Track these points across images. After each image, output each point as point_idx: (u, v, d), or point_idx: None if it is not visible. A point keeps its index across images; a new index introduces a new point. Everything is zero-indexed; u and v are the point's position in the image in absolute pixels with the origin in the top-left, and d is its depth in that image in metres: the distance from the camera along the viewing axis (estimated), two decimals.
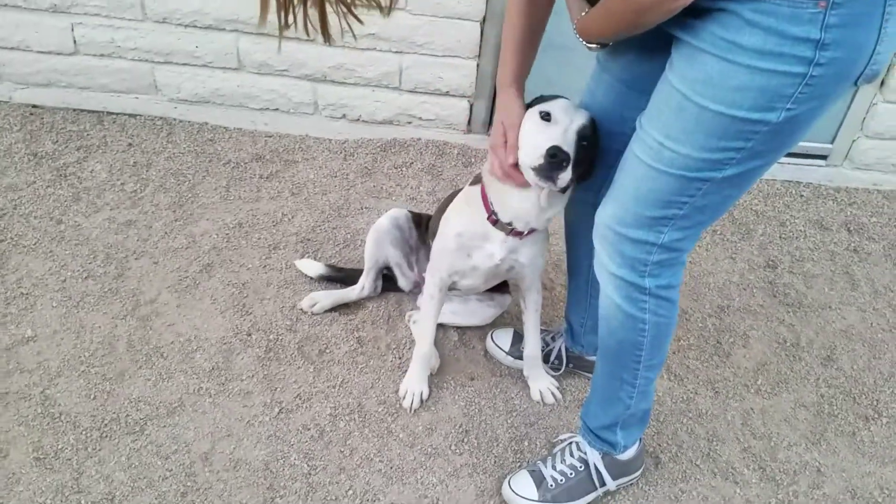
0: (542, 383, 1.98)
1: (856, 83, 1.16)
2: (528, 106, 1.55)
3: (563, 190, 1.58)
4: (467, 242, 1.74)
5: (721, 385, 2.07)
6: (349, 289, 2.16)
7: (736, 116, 1.16)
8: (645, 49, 1.41)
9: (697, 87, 1.18)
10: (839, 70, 1.11)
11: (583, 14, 1.35)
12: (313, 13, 1.17)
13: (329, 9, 1.17)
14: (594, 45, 1.39)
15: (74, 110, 2.85)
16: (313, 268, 2.23)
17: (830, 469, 1.87)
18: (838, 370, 2.16)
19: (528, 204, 1.62)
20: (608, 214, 1.40)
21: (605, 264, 1.44)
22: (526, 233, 1.69)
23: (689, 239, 1.38)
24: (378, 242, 2.10)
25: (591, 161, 1.57)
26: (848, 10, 1.06)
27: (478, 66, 2.74)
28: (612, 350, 1.55)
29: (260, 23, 1.15)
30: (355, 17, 1.20)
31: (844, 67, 1.12)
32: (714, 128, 1.19)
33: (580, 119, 1.51)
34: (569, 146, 1.46)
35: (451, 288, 1.91)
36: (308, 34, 1.20)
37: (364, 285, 2.16)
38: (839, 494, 1.81)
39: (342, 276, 2.22)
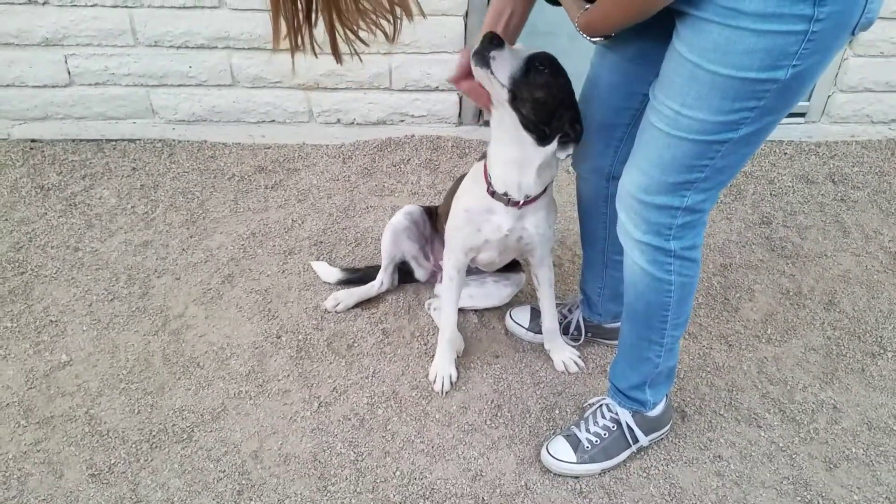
0: (563, 354, 2.07)
1: (853, 32, 1.24)
2: None
3: (542, 141, 1.65)
4: (475, 217, 1.82)
5: (734, 338, 2.17)
6: (369, 285, 2.24)
7: (746, 78, 1.23)
8: (647, 23, 1.48)
9: (707, 54, 1.25)
10: (837, 22, 1.19)
11: (583, 11, 1.41)
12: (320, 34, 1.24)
13: (339, 35, 1.25)
14: (598, 39, 1.47)
15: (74, 140, 2.90)
16: (331, 274, 2.30)
17: (845, 405, 1.98)
18: (841, 313, 2.26)
19: (513, 170, 1.71)
20: (632, 183, 1.46)
21: (630, 232, 1.51)
22: (522, 201, 1.75)
23: (710, 199, 1.45)
24: (395, 239, 2.18)
25: (548, 109, 1.61)
26: None
27: None
28: (639, 313, 1.63)
29: (274, 45, 1.22)
30: (362, 41, 1.27)
31: (842, 19, 1.19)
32: (727, 91, 1.25)
33: (540, 50, 1.61)
34: (513, 54, 1.56)
35: (469, 270, 1.99)
36: (316, 55, 1.27)
37: (382, 280, 2.24)
38: (856, 427, 1.92)
39: (359, 276, 2.29)
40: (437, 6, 2.66)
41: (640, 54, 1.52)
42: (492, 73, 1.56)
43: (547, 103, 1.61)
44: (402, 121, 2.96)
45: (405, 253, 2.23)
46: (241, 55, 2.76)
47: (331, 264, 2.33)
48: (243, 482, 1.76)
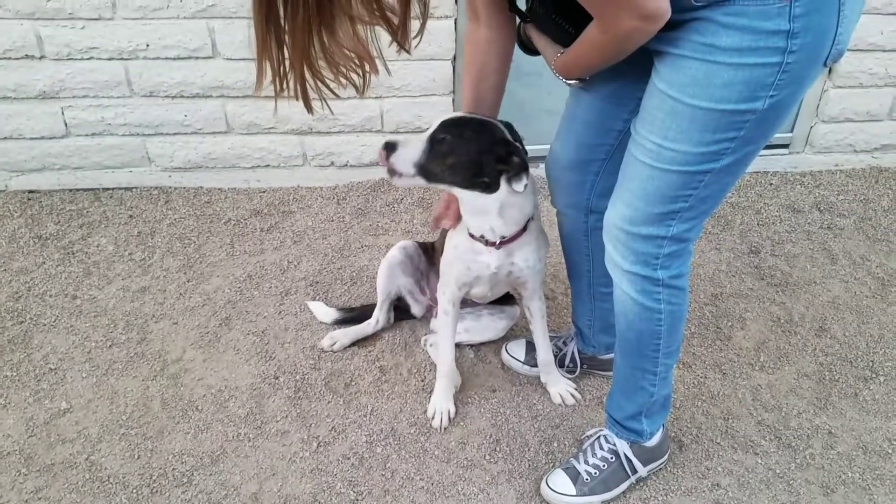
0: (560, 386, 2.09)
1: (825, 64, 1.29)
2: None
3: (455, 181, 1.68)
4: (464, 256, 1.86)
5: (727, 366, 2.20)
6: (365, 324, 2.27)
7: (726, 110, 1.28)
8: (621, 64, 1.54)
9: (686, 89, 1.30)
10: (809, 54, 1.24)
11: (559, 55, 1.47)
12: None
13: (309, 85, 1.29)
14: (574, 81, 1.52)
15: (71, 190, 2.94)
16: (327, 314, 2.32)
17: (840, 429, 2.00)
18: (832, 339, 2.29)
19: (479, 218, 1.76)
20: (617, 216, 1.50)
21: (618, 262, 1.54)
22: (498, 242, 1.79)
23: (695, 228, 1.49)
24: (391, 274, 2.21)
25: (470, 158, 1.64)
26: (809, 0, 1.19)
27: (453, 101, 2.89)
28: (631, 343, 1.66)
29: (256, 89, 1.26)
30: (332, 91, 1.31)
31: (813, 51, 1.25)
32: (707, 123, 1.30)
33: (443, 119, 1.66)
34: (416, 139, 1.64)
35: (464, 303, 2.02)
36: (298, 99, 1.32)
37: (378, 318, 2.27)
38: (852, 451, 1.93)
39: (355, 315, 2.31)
40: (424, 51, 2.73)
41: (615, 93, 1.58)
42: (398, 174, 1.65)
43: (463, 163, 1.64)
44: None
45: (401, 288, 2.26)
46: (235, 103, 2.82)
47: (327, 304, 2.35)
48: None
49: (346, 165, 3.01)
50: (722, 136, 1.31)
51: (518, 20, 1.59)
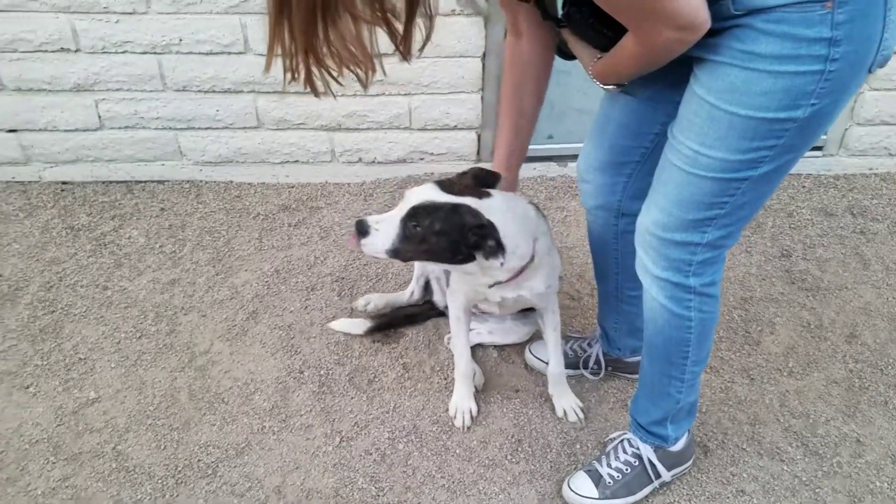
0: (566, 401, 2.05)
1: (870, 70, 1.25)
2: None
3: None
4: (470, 281, 1.83)
5: (755, 372, 2.17)
6: (400, 293, 2.33)
7: (765, 118, 1.25)
8: (661, 68, 1.47)
9: (724, 96, 1.27)
10: (853, 62, 1.21)
11: (596, 60, 1.45)
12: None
13: (314, 73, 1.29)
14: (611, 87, 1.51)
15: (104, 182, 2.98)
16: (357, 325, 2.28)
17: (869, 438, 1.96)
18: (862, 345, 2.25)
19: (465, 278, 1.78)
20: (651, 221, 1.48)
21: (649, 268, 1.52)
22: (493, 283, 1.76)
23: (732, 235, 1.46)
24: None
25: (443, 244, 1.60)
26: (853, 6, 1.16)
27: (482, 98, 2.88)
28: (659, 349, 1.64)
29: (265, 70, 1.25)
30: (335, 79, 1.30)
31: (857, 59, 1.21)
32: (746, 131, 1.28)
33: (415, 201, 1.60)
34: (386, 221, 1.61)
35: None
36: (306, 89, 1.33)
37: (413, 290, 2.34)
38: (880, 460, 1.90)
39: (387, 322, 2.30)
40: (454, 48, 2.73)
41: (652, 97, 1.55)
42: (373, 256, 1.65)
43: (436, 250, 1.63)
44: (422, 159, 3.02)
45: (431, 272, 2.30)
46: (266, 98, 2.84)
47: (350, 317, 2.32)
48: None
49: (373, 162, 3.01)
50: (760, 143, 1.29)
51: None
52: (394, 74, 2.78)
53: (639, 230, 1.52)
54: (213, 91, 2.81)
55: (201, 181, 3.02)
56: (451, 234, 1.59)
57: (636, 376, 2.10)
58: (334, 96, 1.28)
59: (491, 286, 1.78)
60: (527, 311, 2.19)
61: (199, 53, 2.72)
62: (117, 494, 1.83)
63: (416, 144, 2.98)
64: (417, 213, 1.59)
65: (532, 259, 1.72)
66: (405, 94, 2.85)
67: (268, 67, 1.25)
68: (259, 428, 2.00)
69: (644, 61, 1.33)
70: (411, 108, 2.88)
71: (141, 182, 3.00)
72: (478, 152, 3.02)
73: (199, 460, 1.92)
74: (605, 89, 1.54)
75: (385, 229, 1.60)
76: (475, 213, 1.60)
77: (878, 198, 2.92)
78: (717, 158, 1.32)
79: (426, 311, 2.33)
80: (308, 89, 1.31)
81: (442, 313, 2.30)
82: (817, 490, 1.83)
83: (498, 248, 1.59)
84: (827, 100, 1.24)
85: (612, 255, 1.86)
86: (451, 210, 1.59)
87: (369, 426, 2.00)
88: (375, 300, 2.30)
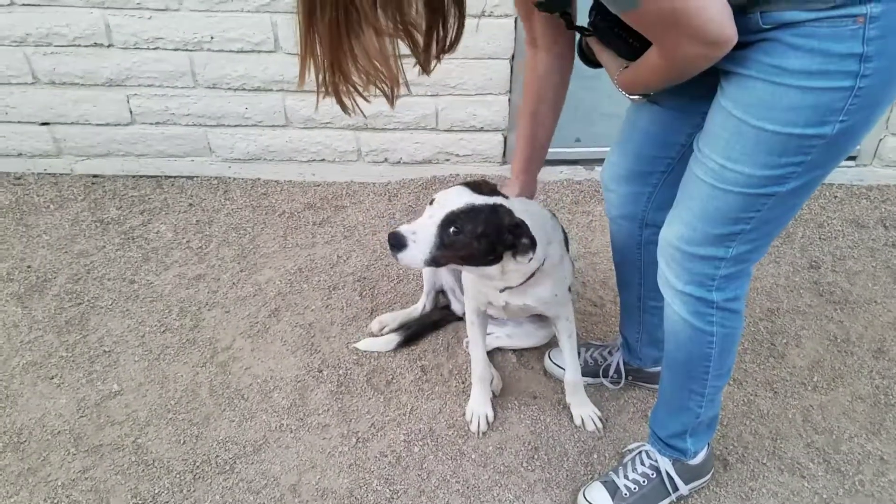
0: (584, 410, 2.03)
1: None
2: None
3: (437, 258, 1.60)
4: (477, 284, 1.85)
5: (779, 385, 2.13)
6: (412, 308, 2.33)
7: (792, 134, 1.22)
8: (689, 80, 1.45)
9: (751, 110, 1.24)
10: (885, 78, 1.17)
11: (622, 69, 1.43)
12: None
13: (341, 88, 1.29)
14: (637, 97, 1.49)
15: (134, 177, 3.03)
16: (388, 342, 2.25)
17: (893, 456, 1.92)
18: (890, 361, 2.20)
19: (479, 279, 1.76)
20: (674, 234, 1.45)
21: (672, 282, 1.50)
22: (504, 288, 1.76)
23: (758, 251, 1.43)
24: (434, 270, 2.22)
25: (482, 247, 1.59)
26: (886, 21, 1.12)
27: (509, 100, 2.86)
28: (679, 363, 1.62)
29: (299, 84, 1.27)
30: (362, 96, 1.30)
31: (890, 75, 1.17)
32: (773, 146, 1.25)
33: (452, 206, 1.56)
34: (422, 229, 1.56)
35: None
36: (338, 104, 1.33)
37: (425, 304, 2.33)
38: None
39: (415, 331, 2.28)
40: (482, 50, 2.72)
41: (681, 107, 1.53)
42: (411, 267, 1.62)
43: (475, 254, 1.61)
44: (448, 160, 3.01)
45: (443, 283, 2.30)
46: (294, 97, 2.85)
47: (376, 335, 2.29)
48: None
49: (399, 162, 3.02)
50: (788, 160, 1.26)
51: (578, 36, 1.56)
52: (421, 76, 2.77)
53: (662, 243, 1.50)
54: (243, 89, 2.83)
55: (229, 178, 3.05)
56: (490, 235, 1.59)
57: (656, 387, 2.07)
58: (364, 115, 1.29)
59: (501, 291, 1.78)
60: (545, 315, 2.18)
61: (230, 51, 2.74)
62: (135, 488, 1.86)
63: (442, 145, 2.97)
64: (457, 218, 1.56)
65: (542, 263, 1.72)
66: (432, 95, 2.84)
67: (302, 81, 1.26)
68: (277, 426, 2.01)
69: (669, 75, 1.31)
70: (438, 109, 2.88)
71: (170, 177, 3.03)
72: (504, 154, 3.01)
73: (217, 456, 1.93)
74: (630, 99, 1.52)
75: (422, 238, 1.56)
76: (510, 213, 1.61)
77: None
78: (743, 173, 1.30)
79: (447, 317, 2.33)
80: (332, 99, 1.32)
81: (461, 318, 2.30)
82: None
83: (531, 246, 1.60)
84: (857, 116, 1.20)
85: (634, 266, 1.84)
86: (491, 211, 1.59)
87: (385, 428, 2.00)
88: (389, 322, 2.28)
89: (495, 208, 1.59)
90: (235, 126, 2.93)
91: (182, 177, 3.04)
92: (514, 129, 2.92)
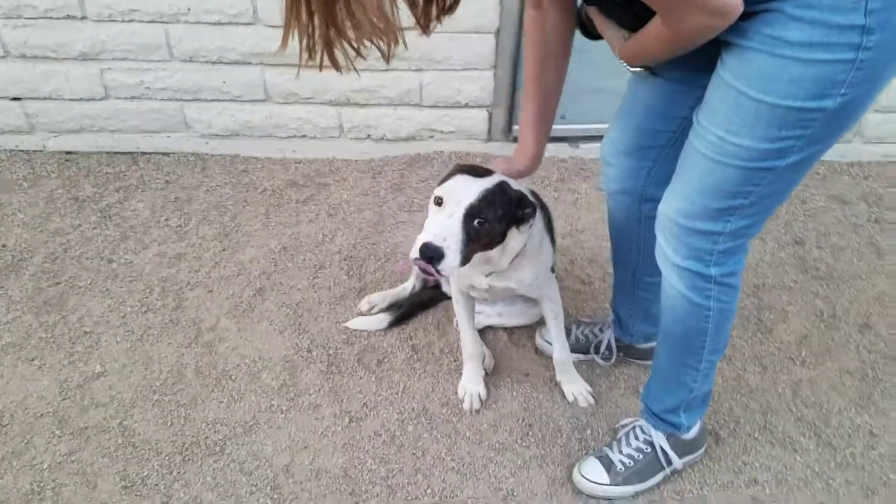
0: (575, 387, 2.03)
1: None
2: (446, 179, 1.61)
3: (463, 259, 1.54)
4: (462, 271, 1.78)
5: (767, 360, 2.15)
6: (401, 287, 2.30)
7: (792, 107, 1.21)
8: (691, 52, 1.44)
9: (752, 82, 1.23)
10: (887, 51, 1.16)
11: (624, 41, 1.41)
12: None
13: (336, 46, 1.25)
14: (638, 69, 1.46)
15: (108, 153, 2.94)
16: (378, 321, 2.22)
17: (882, 430, 1.95)
18: (876, 336, 2.23)
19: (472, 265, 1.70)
20: (672, 209, 1.44)
21: (670, 257, 1.49)
22: (487, 273, 1.75)
23: (756, 225, 1.43)
24: None
25: (501, 228, 1.59)
26: None
27: (495, 75, 2.83)
28: (676, 338, 1.61)
29: (281, 48, 1.22)
30: (357, 52, 1.27)
31: (892, 48, 1.16)
32: (773, 119, 1.23)
33: (469, 198, 1.51)
34: (450, 233, 1.48)
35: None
36: (321, 70, 1.29)
37: (414, 284, 2.30)
38: (894, 453, 1.88)
39: (406, 311, 2.25)
40: (468, 24, 2.68)
41: (682, 78, 1.51)
42: (436, 275, 1.52)
43: (496, 234, 1.59)
44: (432, 136, 2.97)
45: None
46: (274, 71, 2.79)
47: (366, 314, 2.26)
48: (275, 496, 1.76)
49: (382, 139, 2.97)
50: (788, 133, 1.24)
51: (580, 1, 1.53)
52: (406, 50, 2.72)
53: (660, 217, 1.49)
54: (221, 62, 2.76)
55: (207, 154, 2.98)
56: (507, 214, 1.57)
57: (648, 363, 2.09)
58: (357, 72, 1.25)
59: (487, 275, 1.76)
60: None
61: (207, 23, 2.67)
62: (124, 470, 1.81)
63: (426, 122, 2.93)
64: (479, 209, 1.52)
65: (524, 246, 1.71)
66: (416, 70, 2.80)
67: (284, 44, 1.21)
68: (267, 406, 1.98)
69: (672, 45, 1.29)
70: (422, 85, 2.84)
71: (146, 154, 2.95)
72: (489, 131, 2.97)
73: (206, 437, 1.89)
74: (632, 71, 1.50)
75: (452, 241, 1.48)
76: (510, 186, 1.60)
77: (894, 186, 2.89)
78: (743, 146, 1.28)
79: (437, 296, 2.30)
80: (314, 66, 1.27)
81: (451, 298, 2.28)
82: (830, 481, 1.82)
83: (533, 213, 1.60)
84: (858, 90, 1.19)
85: (632, 241, 1.83)
86: (500, 191, 1.57)
87: (378, 407, 1.98)
88: (378, 301, 2.25)
89: (502, 186, 1.57)
90: (213, 101, 2.86)
91: (158, 153, 2.96)
92: (499, 105, 2.90)
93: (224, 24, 2.67)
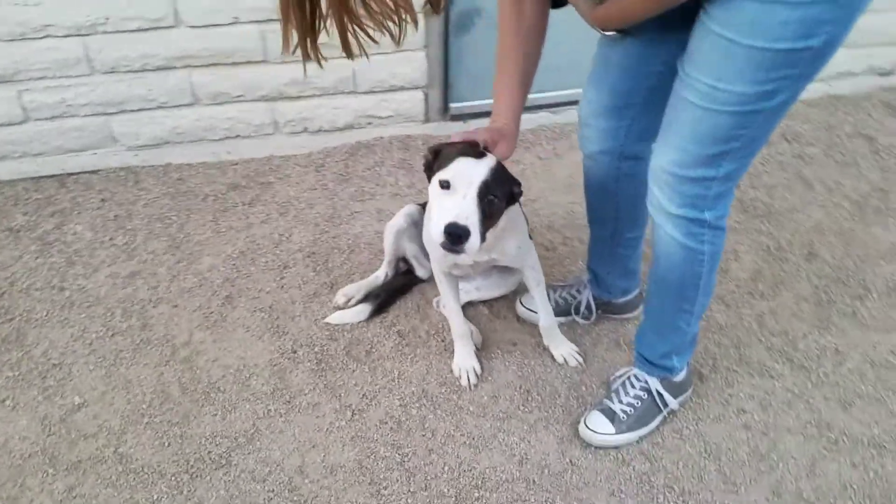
0: (563, 349, 2.10)
1: None
2: (433, 158, 1.65)
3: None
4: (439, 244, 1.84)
5: (729, 298, 2.28)
6: (373, 276, 2.30)
7: (782, 49, 1.28)
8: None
9: (743, 29, 1.29)
10: None
11: (597, 5, 1.44)
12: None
13: (349, 33, 1.27)
14: (612, 32, 1.50)
15: (33, 178, 2.79)
16: (356, 313, 2.21)
17: (846, 346, 2.11)
18: (822, 262, 2.41)
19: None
20: (667, 160, 1.49)
21: (665, 206, 1.55)
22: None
23: (743, 167, 1.50)
24: (395, 239, 2.20)
25: (509, 199, 1.64)
26: None
27: (427, 55, 2.84)
28: (672, 284, 1.68)
29: (284, 50, 1.22)
30: (371, 38, 1.28)
31: None
32: (763, 62, 1.30)
33: (479, 177, 1.54)
34: (469, 212, 1.52)
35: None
36: (321, 65, 1.30)
37: (387, 272, 2.31)
38: (860, 366, 2.05)
39: (384, 300, 2.25)
40: None
41: (655, 36, 1.56)
42: (464, 254, 1.56)
43: (502, 209, 1.64)
44: (370, 123, 2.96)
45: (406, 251, 2.26)
46: (201, 72, 2.70)
47: (343, 307, 2.25)
48: (295, 499, 1.74)
49: (319, 131, 2.94)
50: (777, 74, 1.31)
51: None
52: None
53: (654, 169, 1.54)
54: (145, 70, 2.66)
55: (138, 167, 2.86)
56: (508, 189, 1.62)
57: (626, 316, 2.19)
58: (367, 56, 1.25)
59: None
60: None
61: (128, 31, 2.56)
62: (131, 497, 1.75)
63: (363, 109, 2.92)
64: (490, 186, 1.54)
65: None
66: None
67: (286, 45, 1.21)
68: (264, 412, 1.94)
69: (655, 4, 1.35)
70: (355, 72, 2.82)
71: (74, 174, 2.81)
72: (426, 112, 2.99)
73: (209, 452, 1.85)
74: (605, 36, 1.54)
75: (473, 221, 1.51)
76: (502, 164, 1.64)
77: (808, 123, 3.10)
78: (736, 92, 1.35)
79: (412, 281, 2.32)
80: (316, 59, 1.27)
81: (425, 281, 2.31)
82: (810, 400, 1.96)
83: (521, 190, 1.66)
84: (840, 27, 1.28)
85: (611, 199, 1.89)
86: (501, 167, 1.60)
87: (378, 396, 1.98)
88: (353, 293, 2.24)
89: (501, 165, 1.61)
90: (139, 110, 2.75)
91: (86, 172, 2.83)
92: (434, 85, 2.91)
93: (146, 30, 2.56)
